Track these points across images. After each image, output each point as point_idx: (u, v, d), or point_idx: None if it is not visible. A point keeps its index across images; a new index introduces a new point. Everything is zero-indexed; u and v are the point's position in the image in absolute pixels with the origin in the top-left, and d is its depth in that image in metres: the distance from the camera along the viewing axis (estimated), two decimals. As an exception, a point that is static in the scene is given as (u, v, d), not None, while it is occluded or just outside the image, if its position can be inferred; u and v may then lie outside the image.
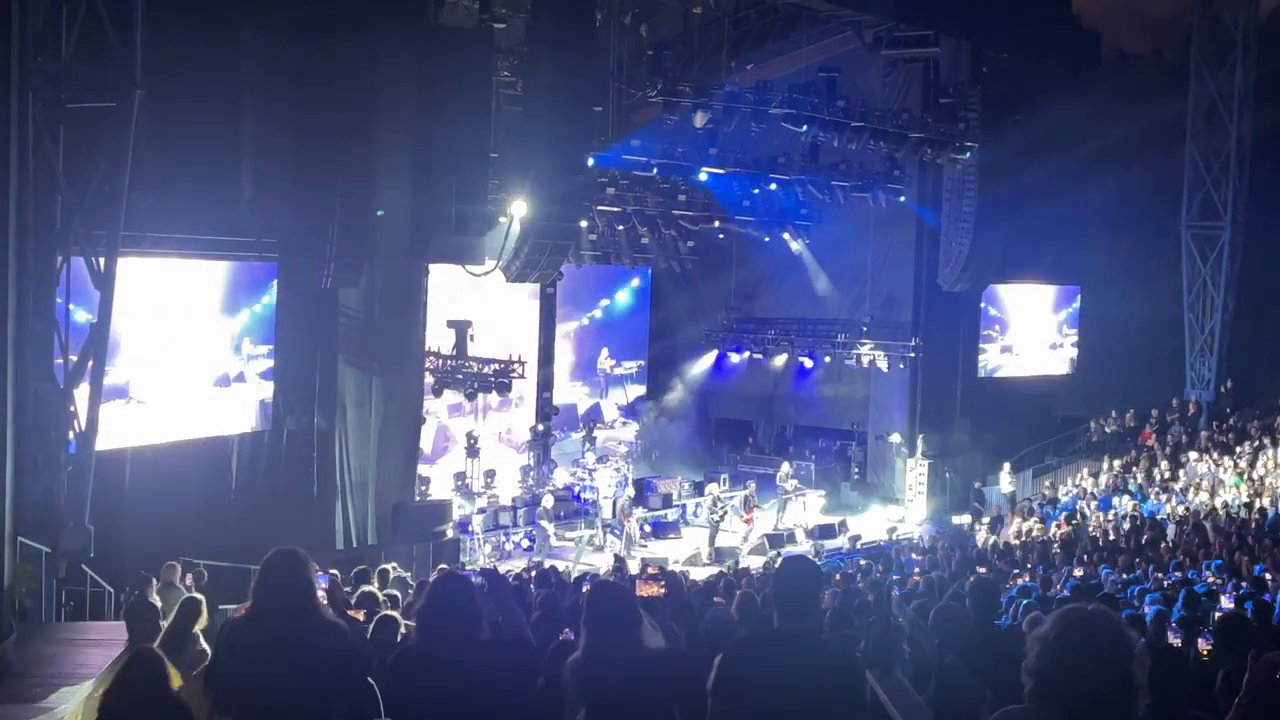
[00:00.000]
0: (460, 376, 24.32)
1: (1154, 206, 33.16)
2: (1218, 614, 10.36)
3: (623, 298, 31.66)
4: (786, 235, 31.48)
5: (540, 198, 23.11)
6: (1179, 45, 33.13)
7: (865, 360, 31.60)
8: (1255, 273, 32.26)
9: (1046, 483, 30.43)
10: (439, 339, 24.56)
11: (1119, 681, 3.52)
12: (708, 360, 33.90)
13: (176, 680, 6.54)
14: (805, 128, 27.39)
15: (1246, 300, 32.32)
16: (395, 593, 12.53)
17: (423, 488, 25.21)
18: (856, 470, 32.98)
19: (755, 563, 24.07)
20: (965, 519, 28.90)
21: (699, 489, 29.57)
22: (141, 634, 9.24)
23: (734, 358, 33.90)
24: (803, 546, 26.20)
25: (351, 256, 20.98)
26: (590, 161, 24.98)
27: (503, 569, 20.57)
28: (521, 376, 26.17)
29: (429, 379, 24.33)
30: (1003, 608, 11.44)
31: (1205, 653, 8.67)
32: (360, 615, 10.26)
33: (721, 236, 30.82)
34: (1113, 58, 34.45)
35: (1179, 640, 8.99)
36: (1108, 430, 32.13)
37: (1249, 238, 31.90)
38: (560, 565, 21.40)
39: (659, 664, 5.42)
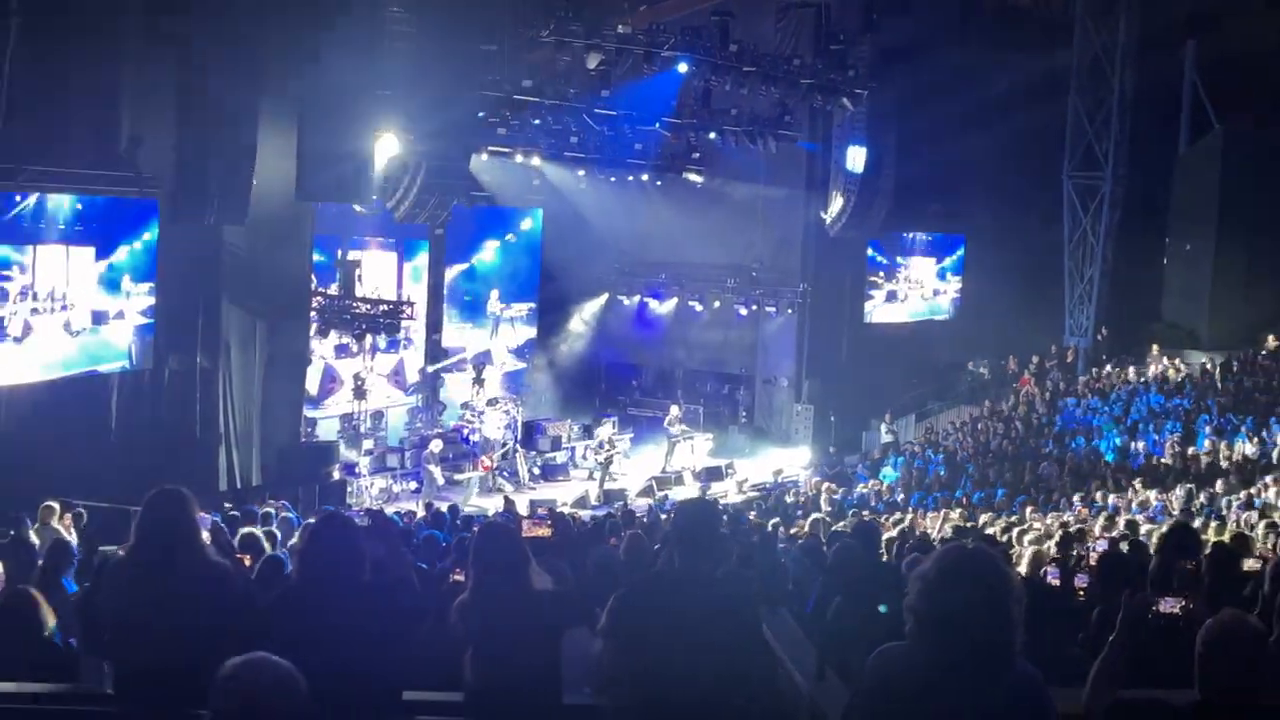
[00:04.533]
0: (347, 317, 24.04)
1: (1037, 157, 33.65)
2: (1095, 553, 10.66)
3: (513, 240, 31.43)
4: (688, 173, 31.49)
5: (431, 137, 22.81)
6: (1065, -2, 33.61)
7: (754, 305, 31.88)
8: (1133, 223, 33.05)
9: (926, 426, 31.05)
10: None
11: (998, 618, 3.59)
12: (599, 303, 33.89)
13: (51, 620, 6.45)
14: (685, 69, 27.13)
15: (1124, 250, 33.10)
16: (278, 533, 12.38)
17: (308, 429, 24.93)
18: (744, 414, 33.29)
19: (643, 504, 24.30)
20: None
21: (588, 432, 29.63)
22: (18, 575, 9.06)
23: (625, 301, 33.95)
24: (690, 489, 26.42)
25: (235, 194, 20.51)
26: (482, 114, 24.70)
27: (389, 511, 20.49)
28: (411, 318, 25.98)
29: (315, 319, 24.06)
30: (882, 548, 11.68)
31: (1080, 591, 8.92)
32: (246, 559, 10.15)
33: (613, 180, 30.72)
34: (999, 8, 34.76)
35: (1057, 580, 9.23)
36: (986, 375, 32.82)
37: (1128, 189, 32.64)
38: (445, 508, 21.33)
39: (546, 605, 5.45)
